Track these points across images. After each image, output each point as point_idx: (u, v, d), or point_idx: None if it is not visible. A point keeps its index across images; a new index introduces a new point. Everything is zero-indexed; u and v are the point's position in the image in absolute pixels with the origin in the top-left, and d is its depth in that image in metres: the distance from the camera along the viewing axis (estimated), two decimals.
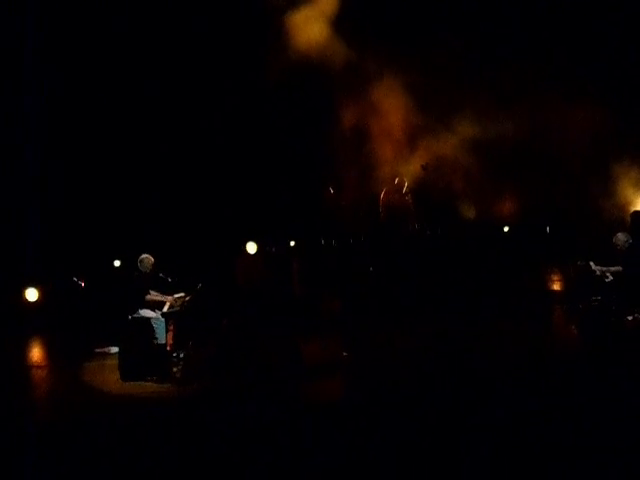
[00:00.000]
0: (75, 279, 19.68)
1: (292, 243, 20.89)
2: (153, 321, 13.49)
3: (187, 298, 14.05)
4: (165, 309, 13.70)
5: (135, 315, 13.58)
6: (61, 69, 20.13)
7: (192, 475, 7.32)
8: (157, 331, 13.48)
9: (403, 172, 20.75)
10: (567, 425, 8.15)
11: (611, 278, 14.40)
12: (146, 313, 13.58)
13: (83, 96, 20.62)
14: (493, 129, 20.81)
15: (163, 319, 13.60)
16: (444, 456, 7.41)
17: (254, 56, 20.52)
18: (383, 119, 21.34)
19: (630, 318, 14.07)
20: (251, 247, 20.24)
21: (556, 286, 19.17)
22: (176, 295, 13.91)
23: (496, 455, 7.35)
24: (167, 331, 13.72)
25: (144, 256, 14.03)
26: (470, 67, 20.19)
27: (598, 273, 14.61)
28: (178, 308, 13.78)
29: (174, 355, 13.64)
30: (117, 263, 20.70)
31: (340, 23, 20.44)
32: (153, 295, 13.73)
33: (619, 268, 14.42)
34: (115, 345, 13.95)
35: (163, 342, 13.56)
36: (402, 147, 21.47)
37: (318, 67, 20.51)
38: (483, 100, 20.58)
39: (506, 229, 21.12)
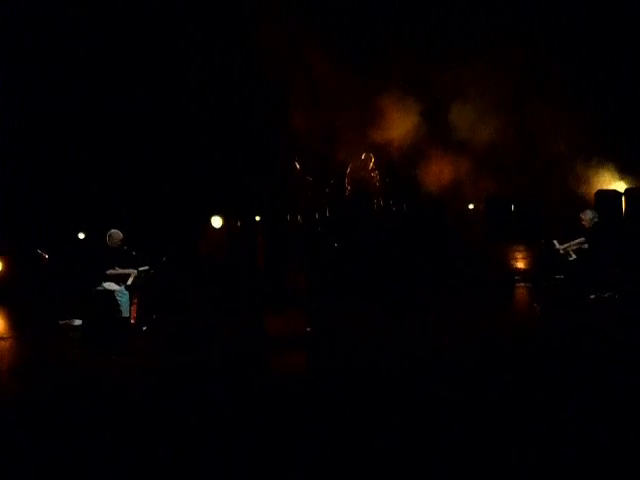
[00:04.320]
0: (39, 251, 19.60)
1: (257, 218, 20.87)
2: (117, 294, 13.47)
3: (151, 271, 14.04)
4: (129, 282, 13.68)
5: (99, 288, 13.55)
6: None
7: (155, 448, 7.32)
8: (121, 304, 13.45)
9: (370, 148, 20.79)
10: (530, 403, 8.21)
11: (574, 257, 14.52)
12: (110, 286, 13.55)
13: (50, 69, 20.52)
14: (463, 106, 20.93)
15: (127, 292, 13.59)
16: (407, 428, 7.45)
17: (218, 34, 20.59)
18: (351, 94, 21.37)
19: (593, 297, 14.20)
20: (216, 221, 20.21)
21: (520, 264, 19.28)
22: (141, 268, 13.89)
23: (456, 431, 7.41)
24: (131, 304, 13.71)
25: (113, 231, 13.98)
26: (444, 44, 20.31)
27: (562, 252, 14.72)
28: (142, 281, 13.77)
29: (138, 328, 13.65)
30: (81, 236, 20.62)
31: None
32: (118, 270, 13.71)
33: (582, 240, 14.51)
34: (79, 318, 13.89)
35: (127, 315, 13.55)
36: (370, 123, 21.52)
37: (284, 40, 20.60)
38: (456, 78, 20.69)
39: (471, 206, 21.20)
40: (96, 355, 11.89)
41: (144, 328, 13.67)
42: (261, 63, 20.87)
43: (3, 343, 13.66)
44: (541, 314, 14.05)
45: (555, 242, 14.96)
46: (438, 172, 21.23)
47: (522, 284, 17.42)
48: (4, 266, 18.83)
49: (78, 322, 13.86)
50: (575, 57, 19.75)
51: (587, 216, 14.71)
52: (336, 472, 6.46)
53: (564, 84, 19.53)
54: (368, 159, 20.18)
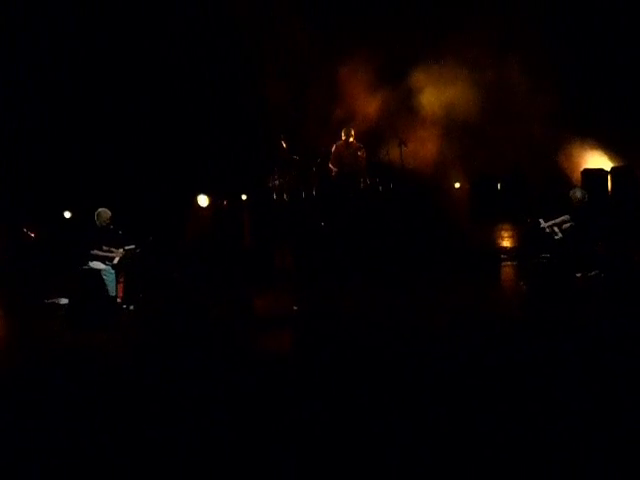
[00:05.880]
0: (26, 230, 19.55)
1: (244, 196, 20.82)
2: (103, 273, 13.48)
3: (138, 250, 14.04)
4: (116, 261, 13.68)
5: (85, 267, 13.55)
6: None
7: (141, 426, 7.33)
8: (107, 283, 13.47)
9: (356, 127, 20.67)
10: (518, 382, 8.23)
11: (560, 235, 14.54)
12: (97, 265, 13.55)
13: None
14: (448, 83, 20.87)
15: (113, 271, 13.60)
16: (395, 407, 7.47)
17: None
18: (336, 72, 21.33)
19: (579, 275, 14.24)
20: (202, 200, 20.17)
21: (506, 243, 19.29)
22: (127, 247, 13.89)
23: (437, 409, 7.44)
24: (117, 283, 13.72)
25: (101, 209, 13.97)
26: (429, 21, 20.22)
27: (547, 230, 14.75)
28: (129, 260, 13.77)
29: (124, 307, 13.65)
30: (68, 214, 20.57)
31: None
32: (104, 249, 13.70)
33: (566, 217, 14.51)
34: (65, 296, 13.89)
35: (113, 294, 13.56)
36: (356, 100, 21.45)
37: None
38: (440, 54, 20.64)
39: (457, 185, 21.15)
40: (82, 334, 11.88)
41: (130, 307, 13.68)
42: (247, 39, 20.80)
43: None
44: (527, 293, 14.07)
45: (541, 220, 14.98)
46: (424, 151, 21.16)
47: (508, 263, 17.45)
48: None
49: (64, 301, 13.86)
50: (559, 32, 19.70)
51: (576, 195, 14.68)
52: (323, 451, 6.48)
53: (550, 63, 19.50)
54: (353, 137, 20.01)
